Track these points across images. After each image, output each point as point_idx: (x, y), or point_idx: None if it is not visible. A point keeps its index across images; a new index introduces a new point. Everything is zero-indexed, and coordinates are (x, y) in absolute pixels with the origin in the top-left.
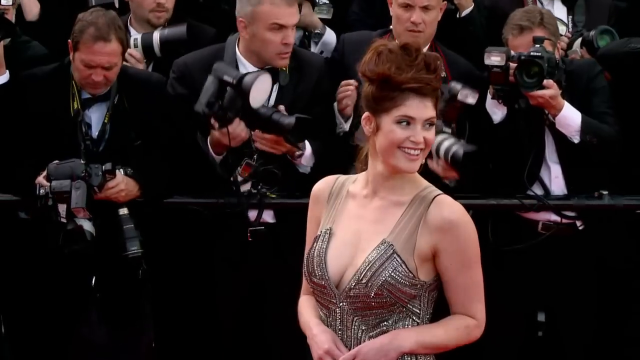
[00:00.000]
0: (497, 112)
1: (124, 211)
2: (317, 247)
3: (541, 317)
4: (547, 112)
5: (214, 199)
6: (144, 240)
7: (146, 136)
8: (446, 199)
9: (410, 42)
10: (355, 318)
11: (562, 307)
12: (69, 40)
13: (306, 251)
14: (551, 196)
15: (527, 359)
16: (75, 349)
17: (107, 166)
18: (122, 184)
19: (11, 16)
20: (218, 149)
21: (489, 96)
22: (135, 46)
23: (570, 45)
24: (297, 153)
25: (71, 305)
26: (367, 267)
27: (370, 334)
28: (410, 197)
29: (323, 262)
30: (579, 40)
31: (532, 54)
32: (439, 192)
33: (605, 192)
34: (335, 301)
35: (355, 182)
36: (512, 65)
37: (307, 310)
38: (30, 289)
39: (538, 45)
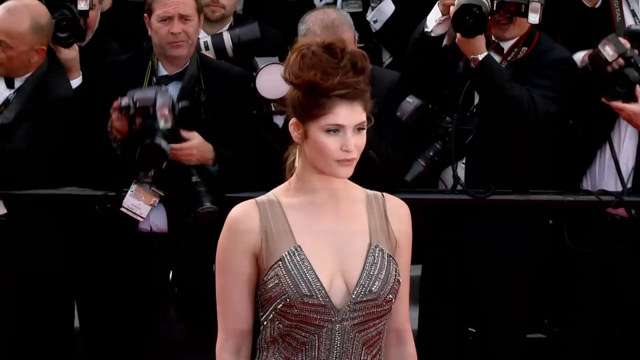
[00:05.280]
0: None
1: (195, 178)
2: (292, 267)
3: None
4: None
5: None
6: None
7: (221, 124)
8: (389, 195)
9: (335, 41)
10: (356, 335)
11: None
12: (145, 15)
13: (242, 285)
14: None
15: (605, 357)
16: (153, 344)
17: (183, 103)
18: (196, 141)
19: (95, 16)
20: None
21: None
22: (207, 48)
23: None
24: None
25: (147, 301)
26: (374, 274)
27: (373, 353)
28: (362, 193)
29: (316, 279)
30: None
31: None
32: None
33: None
34: (334, 319)
35: (285, 195)
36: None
37: None
38: (105, 284)
39: None
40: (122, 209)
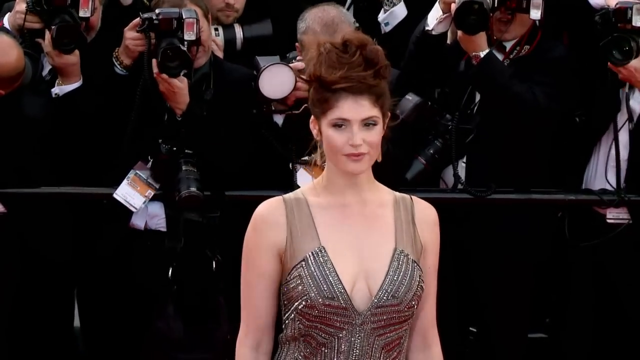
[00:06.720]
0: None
1: (185, 167)
2: (315, 268)
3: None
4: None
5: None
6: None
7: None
8: (417, 198)
9: (353, 38)
10: (376, 338)
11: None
12: None
13: (264, 281)
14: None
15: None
16: (150, 342)
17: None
18: (181, 84)
19: (97, 17)
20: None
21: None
22: (217, 35)
23: None
24: None
25: (148, 299)
26: (398, 279)
27: (392, 357)
28: (390, 196)
29: (339, 281)
30: None
31: None
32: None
33: None
34: (355, 322)
35: (312, 194)
36: None
37: None
38: (106, 283)
39: None
40: (115, 196)
